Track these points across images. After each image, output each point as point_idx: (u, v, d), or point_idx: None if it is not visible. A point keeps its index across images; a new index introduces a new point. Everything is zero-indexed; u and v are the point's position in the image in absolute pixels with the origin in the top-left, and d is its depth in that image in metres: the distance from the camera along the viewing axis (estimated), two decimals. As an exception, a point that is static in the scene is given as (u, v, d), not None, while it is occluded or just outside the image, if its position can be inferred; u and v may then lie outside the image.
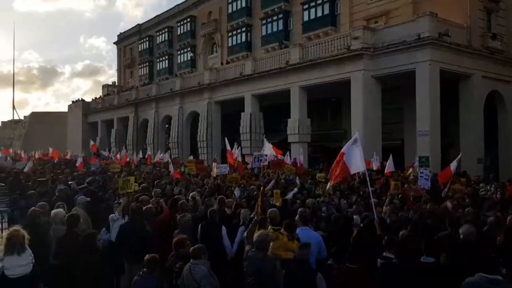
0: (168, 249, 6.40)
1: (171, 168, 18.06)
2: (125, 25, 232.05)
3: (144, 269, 5.57)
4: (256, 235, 6.11)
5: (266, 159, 17.44)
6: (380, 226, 7.34)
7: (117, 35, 60.63)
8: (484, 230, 7.28)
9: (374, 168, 17.59)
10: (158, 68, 50.61)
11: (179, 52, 47.02)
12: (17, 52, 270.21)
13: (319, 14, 31.46)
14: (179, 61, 47.07)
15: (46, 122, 59.04)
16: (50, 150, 32.29)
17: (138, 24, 56.19)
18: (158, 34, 50.78)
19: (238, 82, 30.25)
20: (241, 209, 8.52)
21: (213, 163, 15.71)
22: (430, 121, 20.29)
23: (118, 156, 28.00)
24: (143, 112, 42.04)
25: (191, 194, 10.11)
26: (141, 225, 7.57)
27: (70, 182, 13.79)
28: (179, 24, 46.97)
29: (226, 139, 18.80)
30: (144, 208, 8.00)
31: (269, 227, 6.62)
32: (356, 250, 5.94)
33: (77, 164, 22.18)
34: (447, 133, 22.37)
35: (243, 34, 38.55)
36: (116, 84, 60.44)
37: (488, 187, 15.79)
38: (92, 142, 37.54)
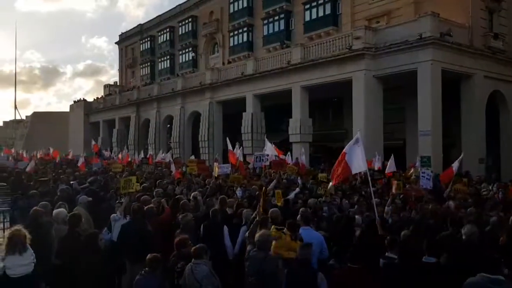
0: (169, 248, 6.40)
1: (172, 168, 18.08)
2: (127, 25, 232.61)
3: (146, 269, 5.57)
4: (258, 234, 6.10)
5: (267, 159, 17.44)
6: (381, 226, 7.34)
7: (119, 35, 60.75)
8: (487, 230, 7.26)
9: (376, 168, 17.57)
10: (159, 68, 50.64)
11: (180, 52, 47.05)
12: (19, 52, 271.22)
13: (321, 14, 31.44)
14: (180, 61, 47.10)
15: (48, 122, 59.15)
16: (51, 150, 32.35)
17: (140, 24, 56.25)
18: (159, 34, 50.82)
19: (240, 82, 30.24)
20: (242, 209, 8.51)
21: (215, 163, 15.71)
22: (432, 121, 20.26)
23: (120, 156, 28.02)
24: (145, 112, 42.07)
25: (192, 194, 10.11)
26: (143, 225, 7.57)
27: (71, 182, 13.81)
28: (180, 24, 47.00)
29: (228, 139, 18.82)
30: (145, 208, 8.00)
31: (272, 226, 6.61)
32: (358, 250, 5.94)
33: (79, 164, 22.23)
34: (449, 133, 22.34)
35: (245, 34, 38.55)
36: (118, 84, 60.57)
37: (490, 187, 15.74)
38: (93, 142, 37.70)
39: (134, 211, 7.78)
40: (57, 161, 27.91)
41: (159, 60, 50.75)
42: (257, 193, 11.26)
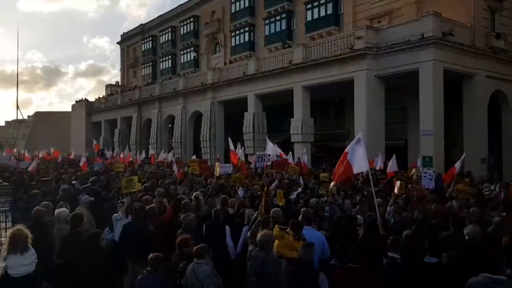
0: (171, 248, 6.41)
1: (174, 167, 18.09)
2: (129, 25, 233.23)
3: (148, 268, 5.58)
4: (259, 234, 6.11)
5: (269, 159, 17.45)
6: (383, 226, 7.34)
7: (121, 35, 60.80)
8: (490, 231, 7.24)
9: (377, 168, 17.55)
10: (161, 68, 50.69)
11: (182, 52, 47.07)
12: (21, 52, 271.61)
13: (322, 13, 31.42)
14: (182, 61, 47.13)
15: (50, 122, 59.26)
16: (52, 150, 32.43)
17: (142, 24, 56.29)
18: (161, 34, 50.85)
19: (241, 82, 30.24)
20: (244, 209, 8.52)
21: (216, 163, 15.73)
22: (434, 120, 20.23)
23: (121, 155, 28.07)
24: (146, 112, 42.11)
25: (194, 194, 10.13)
26: (144, 224, 7.59)
27: (73, 182, 13.83)
28: (182, 24, 47.02)
29: (229, 138, 18.82)
30: (147, 207, 8.01)
31: (276, 226, 6.61)
32: (359, 250, 5.94)
33: (81, 164, 22.27)
34: (451, 133, 22.30)
35: (246, 34, 38.55)
36: (120, 84, 60.61)
37: (492, 187, 15.70)
38: (94, 142, 37.80)
39: (135, 211, 7.79)
40: (58, 160, 27.99)
41: (161, 60, 50.79)
42: (258, 193, 11.26)
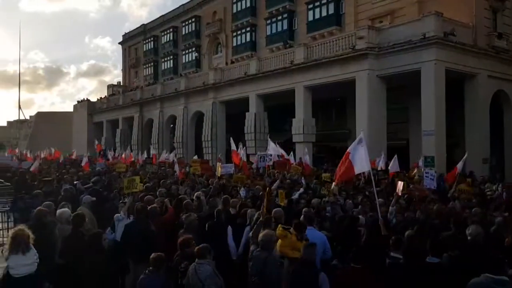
0: (172, 248, 6.41)
1: (176, 167, 18.10)
2: (130, 25, 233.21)
3: (150, 268, 5.58)
4: (261, 234, 6.11)
5: (271, 159, 17.44)
6: (384, 226, 7.33)
7: (122, 35, 60.86)
8: (492, 231, 7.23)
9: (379, 168, 17.53)
10: (163, 68, 50.71)
11: (183, 52, 47.09)
12: (23, 52, 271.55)
13: (324, 13, 31.40)
14: (183, 61, 47.14)
15: (52, 122, 59.31)
16: (52, 150, 32.48)
17: (143, 24, 56.30)
18: (163, 34, 50.87)
19: (243, 82, 30.24)
20: (246, 209, 8.51)
21: (218, 163, 15.73)
22: (436, 120, 20.20)
23: (123, 155, 28.09)
24: (148, 112, 42.14)
25: (195, 194, 10.14)
26: (146, 224, 7.59)
27: (75, 182, 13.85)
28: (183, 24, 47.03)
29: (231, 139, 18.81)
30: (148, 207, 8.02)
31: (279, 225, 6.61)
32: (361, 250, 5.93)
33: (83, 164, 22.30)
34: (453, 133, 22.27)
35: (248, 34, 38.54)
36: (121, 84, 60.64)
37: (494, 187, 15.69)
38: (96, 142, 37.84)
39: (137, 211, 7.80)
40: (60, 161, 28.04)
41: (162, 60, 50.82)
42: (260, 193, 11.27)
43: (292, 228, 6.58)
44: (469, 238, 6.33)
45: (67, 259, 6.46)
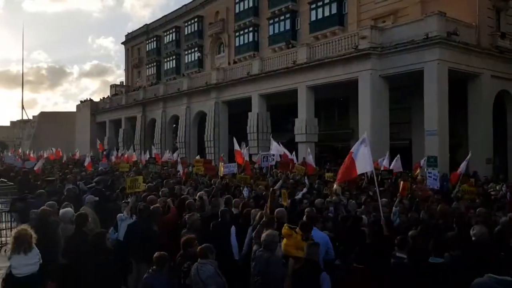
0: (175, 248, 6.42)
1: (179, 167, 18.11)
2: (133, 25, 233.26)
3: (153, 267, 5.59)
4: (264, 234, 6.11)
5: (273, 159, 17.42)
6: (386, 227, 7.32)
7: (125, 35, 60.93)
8: (496, 231, 7.20)
9: (382, 168, 17.50)
10: (165, 68, 50.76)
11: (186, 52, 47.12)
12: (26, 52, 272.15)
13: (327, 13, 31.37)
14: (186, 61, 47.16)
15: (55, 122, 59.35)
16: (53, 150, 32.56)
17: (146, 24, 56.38)
18: (165, 34, 50.92)
19: (245, 82, 30.23)
20: (248, 209, 8.51)
21: (220, 163, 15.72)
22: (438, 120, 20.15)
23: (126, 155, 28.14)
24: (151, 112, 42.18)
25: (198, 194, 10.14)
26: (149, 224, 7.60)
27: (78, 182, 13.88)
28: (186, 24, 47.07)
29: (234, 138, 18.80)
30: (151, 207, 8.03)
31: (285, 224, 6.61)
32: (363, 251, 5.93)
33: (86, 164, 22.36)
34: (456, 133, 22.21)
35: (250, 34, 38.54)
36: (124, 84, 60.76)
37: (498, 187, 15.66)
38: (98, 142, 37.93)
39: (140, 211, 7.82)
40: (63, 160, 28.12)
41: (165, 60, 50.86)
42: (263, 193, 11.27)
43: (298, 227, 6.58)
44: (473, 238, 6.32)
45: (70, 259, 6.48)
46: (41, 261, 5.41)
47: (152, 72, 53.17)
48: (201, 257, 5.57)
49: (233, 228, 7.69)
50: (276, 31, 35.59)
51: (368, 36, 22.06)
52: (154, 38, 53.00)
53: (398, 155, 16.93)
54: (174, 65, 49.22)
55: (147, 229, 7.45)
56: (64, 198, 10.25)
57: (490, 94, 22.74)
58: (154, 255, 5.65)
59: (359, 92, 22.57)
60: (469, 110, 22.38)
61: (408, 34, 21.07)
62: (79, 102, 57.49)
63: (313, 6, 32.27)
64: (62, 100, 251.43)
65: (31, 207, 8.83)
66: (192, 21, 46.20)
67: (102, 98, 54.02)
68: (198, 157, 23.44)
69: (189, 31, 46.65)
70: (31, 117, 70.76)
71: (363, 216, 8.63)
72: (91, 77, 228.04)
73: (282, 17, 35.26)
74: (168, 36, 50.51)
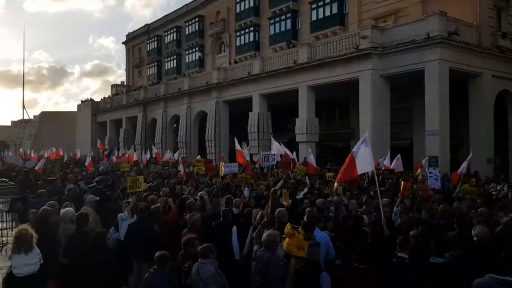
0: (176, 248, 6.42)
1: (181, 167, 18.11)
2: (134, 25, 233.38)
3: (155, 266, 5.60)
4: (265, 234, 6.11)
5: (274, 159, 17.41)
6: (387, 227, 7.32)
7: (126, 35, 60.96)
8: (498, 231, 7.20)
9: (383, 168, 17.49)
10: (166, 68, 50.78)
11: (187, 52, 47.14)
12: (27, 52, 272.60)
13: (327, 13, 31.37)
14: (187, 61, 47.19)
15: (56, 122, 59.40)
16: (53, 150, 32.59)
17: (147, 24, 56.45)
18: (166, 34, 50.95)
19: (246, 82, 30.24)
20: (249, 208, 8.51)
21: (221, 162, 15.72)
22: (439, 120, 20.14)
23: (127, 155, 28.15)
24: (152, 111, 42.20)
25: (199, 194, 10.14)
26: (150, 224, 7.61)
27: (79, 182, 13.89)
28: (187, 24, 47.09)
29: (235, 138, 18.80)
30: (152, 207, 8.03)
31: (288, 224, 6.62)
32: (363, 250, 5.92)
33: (86, 164, 22.37)
34: (457, 133, 22.20)
35: (251, 34, 38.56)
36: (125, 83, 60.81)
37: (499, 188, 15.65)
38: (99, 142, 37.95)
39: (141, 211, 7.82)
40: (64, 160, 28.14)
41: (166, 60, 50.88)
42: (264, 193, 11.27)
43: (300, 227, 6.58)
44: (475, 238, 6.32)
45: (71, 259, 6.48)
46: (41, 261, 5.41)
47: (153, 72, 53.21)
48: (202, 257, 5.57)
49: (234, 228, 7.69)
50: (277, 30, 35.60)
51: (369, 36, 22.05)
52: (155, 38, 53.04)
53: (399, 155, 16.90)
54: (175, 65, 49.26)
55: (148, 229, 7.45)
56: (65, 198, 10.26)
57: (491, 94, 22.72)
58: (156, 255, 5.65)
59: (360, 92, 22.57)
60: (470, 110, 22.36)
61: (409, 34, 21.06)
62: (80, 102, 57.61)
63: (314, 6, 32.28)
64: (63, 100, 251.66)
65: (31, 207, 8.83)
66: (193, 20, 46.22)
67: (103, 98, 54.11)
68: (199, 157, 23.44)
69: (190, 31, 46.67)
70: (32, 117, 70.90)
71: (364, 216, 8.63)
72: (92, 77, 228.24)
73: (283, 17, 35.26)
74: (169, 36, 50.55)
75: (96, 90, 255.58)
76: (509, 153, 24.46)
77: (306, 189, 12.11)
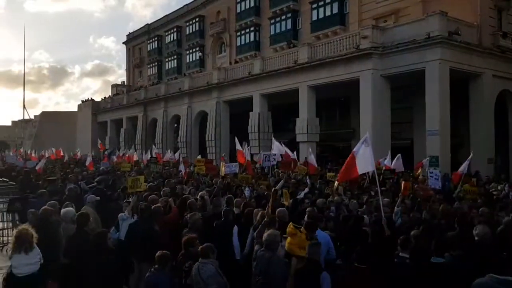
0: (176, 248, 6.42)
1: (181, 167, 18.11)
2: (134, 25, 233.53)
3: (156, 266, 5.60)
4: (265, 234, 6.10)
5: (275, 159, 17.41)
6: (387, 227, 7.31)
7: (126, 35, 60.96)
8: (499, 231, 7.20)
9: (384, 168, 17.48)
10: (166, 68, 50.79)
11: (187, 52, 47.15)
12: (27, 52, 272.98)
13: (328, 13, 31.36)
14: (187, 61, 47.20)
15: (56, 122, 59.40)
16: (53, 150, 32.61)
17: (147, 24, 56.45)
18: (167, 34, 50.96)
19: (247, 82, 30.24)
20: (250, 208, 8.50)
21: (221, 162, 15.72)
22: (440, 120, 20.12)
23: (128, 155, 28.17)
24: (152, 111, 42.21)
25: (199, 194, 10.13)
26: (150, 224, 7.61)
27: (79, 182, 13.88)
28: (187, 23, 47.09)
29: (236, 138, 18.79)
30: (152, 207, 8.03)
31: (290, 223, 6.62)
32: (364, 250, 5.92)
33: (87, 164, 22.38)
34: (457, 133, 22.19)
35: (252, 34, 38.55)
36: (125, 83, 60.81)
37: (500, 187, 15.64)
38: (99, 142, 37.96)
39: (141, 211, 7.82)
40: (65, 160, 28.16)
41: (166, 59, 50.89)
42: (265, 193, 11.26)
43: (303, 227, 6.58)
44: (476, 238, 6.31)
45: (71, 259, 6.48)
46: (42, 260, 5.41)
47: (154, 72, 53.21)
48: (202, 257, 5.57)
49: (235, 228, 7.69)
50: (277, 30, 35.59)
51: (369, 36, 22.05)
52: (155, 38, 53.05)
53: (399, 154, 16.90)
54: (175, 65, 49.26)
55: (148, 229, 7.45)
56: (65, 197, 10.26)
57: (491, 93, 22.71)
58: (157, 254, 5.66)
59: (360, 92, 22.56)
60: (470, 109, 22.35)
61: (410, 34, 21.05)
62: (81, 102, 57.64)
63: (314, 5, 32.26)
64: (64, 99, 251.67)
65: (31, 207, 8.83)
66: (194, 20, 46.22)
67: (103, 98, 54.12)
68: (199, 156, 23.45)
69: (190, 31, 46.67)
70: (32, 117, 70.92)
71: (365, 216, 8.63)
72: (92, 77, 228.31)
73: (283, 17, 35.25)
74: (169, 36, 50.55)
75: (97, 90, 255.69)
76: (510, 153, 24.45)
77: (306, 189, 12.11)
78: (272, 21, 36.10)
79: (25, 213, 8.76)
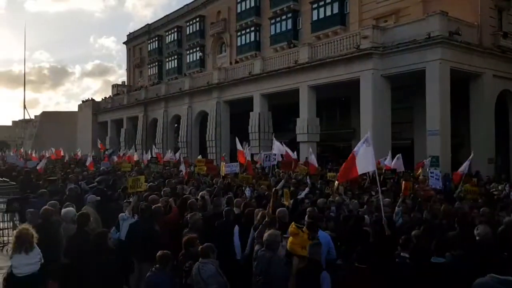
0: (177, 248, 6.42)
1: (182, 167, 18.12)
2: (135, 25, 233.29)
3: (156, 265, 5.60)
4: (266, 234, 6.10)
5: (275, 159, 17.41)
6: (388, 226, 7.31)
7: (127, 35, 60.99)
8: (500, 231, 7.19)
9: (385, 168, 17.47)
10: (167, 68, 50.81)
11: (188, 52, 47.16)
12: (28, 52, 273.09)
13: (328, 13, 31.36)
14: (188, 61, 47.21)
15: (57, 122, 59.45)
16: (54, 150, 32.63)
17: (148, 24, 56.47)
18: (167, 34, 50.97)
19: (247, 82, 30.24)
20: (250, 208, 8.50)
21: (222, 162, 15.73)
22: (440, 120, 20.11)
23: (128, 155, 28.18)
24: (153, 111, 42.22)
25: (200, 194, 10.13)
26: (150, 224, 7.61)
27: (80, 182, 13.89)
28: (188, 23, 47.11)
29: (236, 138, 18.80)
30: (153, 207, 8.03)
31: (293, 223, 6.61)
32: (365, 250, 5.92)
33: (87, 164, 22.39)
34: (457, 133, 22.18)
35: (252, 34, 38.56)
36: (126, 83, 60.83)
37: (500, 187, 15.63)
38: (99, 142, 37.97)
39: (142, 211, 7.82)
40: (65, 160, 28.17)
41: (167, 59, 50.91)
42: (266, 193, 11.26)
43: (305, 227, 6.58)
44: (477, 238, 6.31)
45: (72, 259, 6.48)
46: (42, 260, 5.41)
47: (154, 72, 53.23)
48: (203, 257, 5.57)
49: (236, 228, 7.69)
50: (278, 30, 35.59)
51: (370, 36, 22.04)
52: (156, 38, 53.07)
53: (399, 154, 16.89)
54: (175, 65, 49.27)
55: (148, 229, 7.46)
56: (66, 197, 10.25)
57: (492, 93, 22.70)
58: (157, 254, 5.66)
59: (360, 92, 22.56)
60: (471, 109, 22.35)
61: (410, 34, 21.04)
62: (81, 102, 57.65)
63: (315, 5, 32.26)
64: (64, 100, 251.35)
65: (32, 207, 8.82)
66: (194, 20, 46.23)
67: (104, 98, 54.14)
68: (199, 156, 23.46)
69: (191, 31, 46.69)
70: (33, 117, 71.02)
71: (365, 216, 8.62)
72: (93, 77, 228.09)
73: (283, 17, 35.24)
74: (169, 36, 50.57)
75: (97, 90, 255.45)
76: (510, 153, 24.44)
77: (307, 189, 12.10)
78: (273, 21, 36.11)
79: (24, 213, 8.76)
